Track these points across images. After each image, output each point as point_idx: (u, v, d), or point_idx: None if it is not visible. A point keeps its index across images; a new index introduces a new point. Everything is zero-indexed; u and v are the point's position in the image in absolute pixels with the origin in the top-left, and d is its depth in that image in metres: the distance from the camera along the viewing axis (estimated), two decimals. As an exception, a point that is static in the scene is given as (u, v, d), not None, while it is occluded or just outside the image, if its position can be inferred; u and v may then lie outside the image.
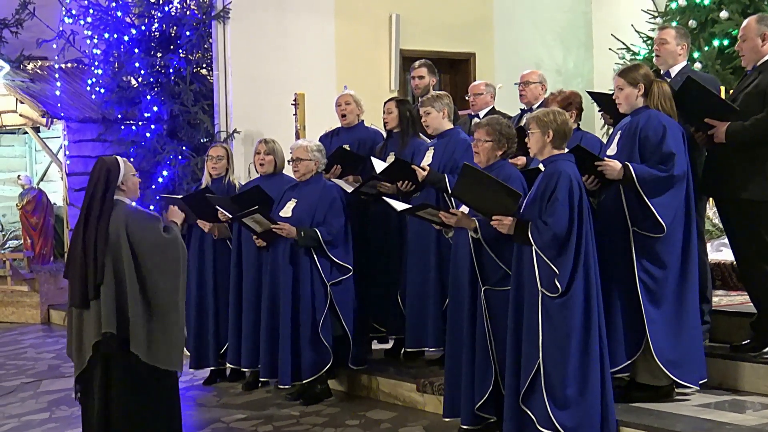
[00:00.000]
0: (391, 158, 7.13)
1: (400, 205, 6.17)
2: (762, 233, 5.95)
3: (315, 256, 6.92)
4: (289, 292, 6.94)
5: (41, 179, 13.57)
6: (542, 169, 5.52)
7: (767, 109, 5.83)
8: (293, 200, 7.10)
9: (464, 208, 5.76)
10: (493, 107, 8.00)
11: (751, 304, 6.25)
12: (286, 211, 7.05)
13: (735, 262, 6.61)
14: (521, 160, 6.59)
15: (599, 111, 6.92)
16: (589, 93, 6.65)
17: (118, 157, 5.44)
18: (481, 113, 7.92)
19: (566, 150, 5.48)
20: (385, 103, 7.51)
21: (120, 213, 5.26)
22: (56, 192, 13.00)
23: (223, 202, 7.23)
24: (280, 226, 6.86)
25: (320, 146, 7.25)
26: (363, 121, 7.87)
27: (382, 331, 7.64)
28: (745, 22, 6.17)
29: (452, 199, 6.52)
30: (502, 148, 5.78)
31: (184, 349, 5.62)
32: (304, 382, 7.01)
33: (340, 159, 7.45)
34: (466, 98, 8.27)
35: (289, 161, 7.30)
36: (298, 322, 6.94)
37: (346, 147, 7.56)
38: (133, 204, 5.46)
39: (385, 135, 7.63)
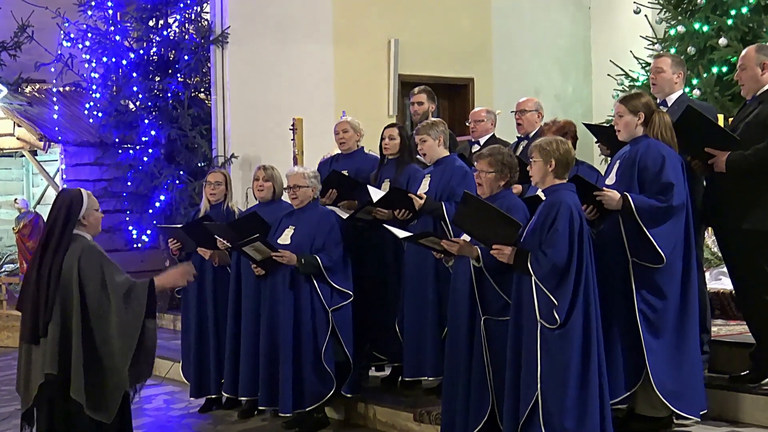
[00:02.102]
0: (386, 186, 7.09)
1: (401, 233, 6.13)
2: (762, 263, 5.91)
3: (315, 282, 6.87)
4: (289, 319, 6.86)
5: (38, 203, 13.55)
6: (542, 197, 5.49)
7: (768, 139, 5.81)
8: (291, 228, 7.04)
9: (466, 236, 5.72)
10: (493, 134, 7.97)
11: (750, 334, 6.21)
12: (285, 239, 6.99)
13: (734, 292, 6.57)
14: (517, 189, 6.54)
15: (596, 143, 6.89)
16: (586, 125, 6.61)
17: (83, 190, 5.25)
18: (481, 140, 7.89)
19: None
20: (386, 128, 7.43)
21: (77, 249, 5.06)
22: (53, 215, 12.94)
23: (221, 230, 7.17)
24: (280, 254, 6.80)
25: (316, 172, 7.22)
26: (363, 147, 7.77)
27: (381, 359, 7.56)
28: (744, 51, 6.15)
29: (449, 226, 6.49)
30: (504, 178, 5.74)
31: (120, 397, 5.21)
32: (307, 410, 6.89)
33: (335, 183, 7.39)
34: (467, 124, 8.23)
35: (285, 188, 7.26)
36: (300, 350, 6.86)
37: (345, 173, 7.49)
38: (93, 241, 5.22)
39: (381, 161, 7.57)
